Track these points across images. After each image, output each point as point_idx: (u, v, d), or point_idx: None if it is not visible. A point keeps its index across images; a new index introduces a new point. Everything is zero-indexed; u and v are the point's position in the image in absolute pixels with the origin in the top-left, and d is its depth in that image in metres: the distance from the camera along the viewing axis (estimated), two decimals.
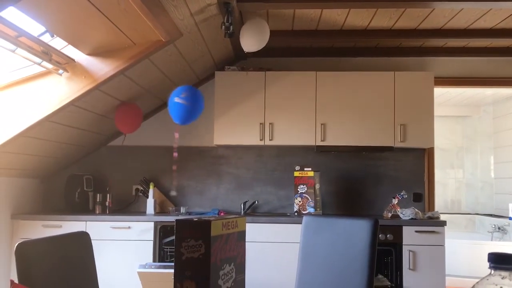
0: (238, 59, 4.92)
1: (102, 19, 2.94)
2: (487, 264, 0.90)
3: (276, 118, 4.48)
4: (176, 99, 3.66)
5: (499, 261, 0.88)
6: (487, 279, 0.89)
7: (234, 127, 4.49)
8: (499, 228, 6.52)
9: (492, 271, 0.90)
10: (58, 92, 3.44)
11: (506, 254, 0.88)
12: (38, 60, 3.20)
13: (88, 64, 3.43)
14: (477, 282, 0.90)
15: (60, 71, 3.40)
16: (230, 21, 3.40)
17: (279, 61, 4.92)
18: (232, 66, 4.67)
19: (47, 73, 3.45)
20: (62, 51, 3.33)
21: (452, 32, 4.30)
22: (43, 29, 3.18)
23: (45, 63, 3.25)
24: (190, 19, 3.38)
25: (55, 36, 3.23)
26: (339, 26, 4.25)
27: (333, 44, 4.73)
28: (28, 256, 1.69)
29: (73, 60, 3.42)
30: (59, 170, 4.86)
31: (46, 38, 3.25)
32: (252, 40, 3.76)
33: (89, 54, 3.44)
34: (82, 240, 2.04)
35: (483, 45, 4.69)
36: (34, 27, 3.12)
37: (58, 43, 3.31)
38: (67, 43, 3.30)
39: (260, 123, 4.48)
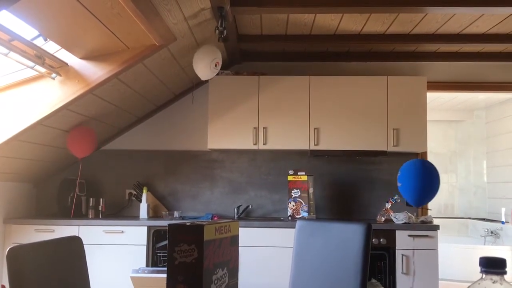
0: (232, 63, 4.92)
1: (95, 23, 2.94)
2: (479, 268, 0.90)
3: (270, 122, 4.48)
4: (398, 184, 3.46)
5: (490, 266, 0.89)
6: (479, 283, 0.90)
7: (228, 131, 4.49)
8: (491, 232, 6.54)
9: (484, 275, 0.90)
10: (51, 96, 3.43)
11: (497, 258, 0.89)
12: (31, 64, 3.19)
13: (81, 68, 3.42)
14: (469, 287, 0.90)
15: (53, 75, 3.39)
16: (224, 26, 3.40)
17: (273, 65, 4.92)
18: (226, 70, 4.67)
19: (40, 77, 3.44)
20: (55, 55, 3.32)
21: (444, 37, 4.33)
22: (36, 33, 3.17)
23: (38, 67, 3.24)
24: (184, 23, 3.39)
25: (48, 40, 3.22)
26: (333, 31, 4.26)
27: (326, 48, 4.74)
28: (20, 260, 1.68)
29: (66, 64, 3.41)
30: (52, 174, 4.84)
31: (39, 42, 3.24)
32: (206, 69, 3.74)
33: (82, 58, 3.43)
34: (74, 245, 2.03)
35: (476, 50, 4.72)
36: (27, 30, 3.11)
37: (51, 47, 3.30)
38: (60, 47, 3.30)
39: (254, 128, 4.48)
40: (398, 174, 3.77)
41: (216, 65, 3.75)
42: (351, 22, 4.01)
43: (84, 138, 4.12)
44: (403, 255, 4.05)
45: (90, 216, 4.44)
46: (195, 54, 3.77)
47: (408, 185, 3.57)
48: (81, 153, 4.18)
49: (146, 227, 4.14)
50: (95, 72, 3.41)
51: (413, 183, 3.57)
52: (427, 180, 3.58)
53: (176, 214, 4.53)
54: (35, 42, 3.18)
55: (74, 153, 4.17)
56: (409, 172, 3.54)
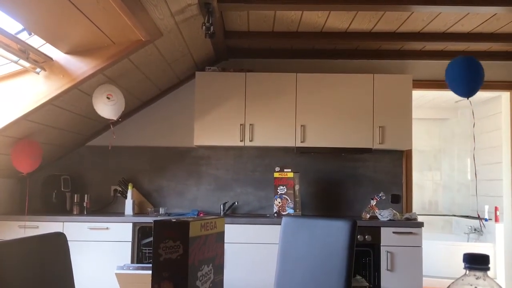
0: (218, 60, 4.91)
1: (81, 17, 2.91)
2: (463, 264, 0.91)
3: (257, 119, 4.48)
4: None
5: (474, 262, 0.90)
6: (462, 280, 0.91)
7: (215, 128, 4.48)
8: (475, 230, 6.62)
9: (467, 272, 0.91)
10: (35, 91, 3.39)
11: (480, 254, 0.89)
12: (15, 58, 3.15)
13: (66, 63, 3.39)
14: (453, 283, 0.91)
15: (38, 69, 3.35)
16: (210, 22, 3.39)
17: (260, 62, 4.92)
18: (212, 67, 4.66)
19: (24, 71, 3.40)
20: (40, 49, 3.29)
21: (430, 36, 4.36)
22: (20, 27, 3.13)
23: (22, 62, 3.20)
24: (170, 19, 3.37)
25: (32, 34, 3.18)
26: (320, 28, 4.27)
27: (313, 46, 4.75)
28: (3, 257, 1.66)
29: (51, 58, 3.37)
30: (36, 170, 4.79)
31: (24, 36, 3.20)
32: (102, 105, 3.66)
33: (67, 53, 3.40)
34: (58, 241, 2.01)
35: (461, 48, 4.76)
36: (11, 24, 3.07)
37: (36, 42, 3.26)
38: (45, 42, 3.26)
39: (241, 124, 4.48)
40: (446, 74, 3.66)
41: (108, 98, 3.65)
42: (338, 19, 4.02)
43: (28, 152, 3.94)
44: (387, 251, 4.08)
45: (75, 212, 4.41)
46: (97, 98, 3.71)
47: (458, 76, 3.54)
48: (26, 168, 3.99)
49: (131, 224, 4.12)
50: (80, 67, 3.38)
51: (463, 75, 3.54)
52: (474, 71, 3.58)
53: (161, 210, 4.51)
54: (19, 36, 3.14)
55: (18, 168, 3.98)
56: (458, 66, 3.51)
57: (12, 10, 2.71)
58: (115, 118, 3.69)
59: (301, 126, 4.48)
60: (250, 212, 4.84)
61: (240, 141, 4.47)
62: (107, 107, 3.59)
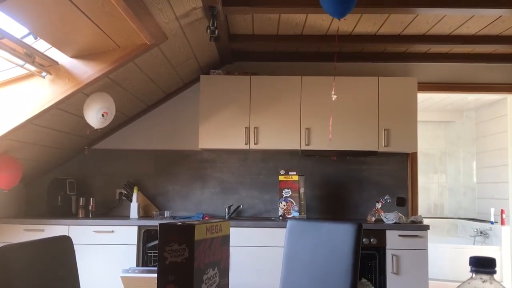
0: (223, 63, 4.92)
1: (86, 21, 2.92)
2: (469, 268, 0.91)
3: (261, 122, 4.48)
4: None
5: (480, 265, 0.89)
6: (469, 283, 0.90)
7: (219, 131, 4.49)
8: (481, 233, 6.59)
9: (473, 275, 0.91)
10: (41, 94, 3.40)
11: (486, 258, 0.89)
12: (21, 62, 3.16)
13: (71, 67, 3.40)
14: (459, 286, 0.91)
15: (43, 73, 3.36)
16: (215, 25, 3.40)
17: (264, 65, 4.93)
18: (217, 70, 4.67)
19: (30, 75, 3.41)
20: (46, 53, 3.30)
21: (435, 38, 4.35)
22: (26, 31, 3.15)
23: (28, 66, 3.22)
24: (175, 22, 3.38)
25: (38, 38, 3.20)
26: (324, 31, 4.27)
27: (318, 49, 4.75)
28: (7, 260, 1.67)
29: (57, 62, 3.39)
30: (42, 173, 4.81)
31: (29, 40, 3.21)
32: (93, 117, 3.62)
33: (73, 57, 3.41)
34: (64, 245, 2.01)
35: (466, 51, 4.75)
36: (17, 29, 3.09)
37: (42, 46, 3.28)
38: (51, 46, 3.27)
39: (245, 127, 4.48)
40: None
41: (103, 115, 3.61)
42: (342, 22, 4.02)
43: (7, 169, 3.84)
44: (393, 255, 4.06)
45: (80, 216, 4.42)
46: (86, 100, 3.69)
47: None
48: (6, 185, 3.90)
49: (136, 227, 4.12)
50: (86, 71, 3.39)
51: None
52: None
53: (166, 213, 4.52)
54: (25, 40, 3.15)
55: None
56: None
57: (17, 14, 2.73)
58: (98, 129, 3.74)
59: (306, 129, 4.48)
60: (255, 215, 4.84)
61: (245, 144, 4.47)
62: (96, 120, 3.64)
